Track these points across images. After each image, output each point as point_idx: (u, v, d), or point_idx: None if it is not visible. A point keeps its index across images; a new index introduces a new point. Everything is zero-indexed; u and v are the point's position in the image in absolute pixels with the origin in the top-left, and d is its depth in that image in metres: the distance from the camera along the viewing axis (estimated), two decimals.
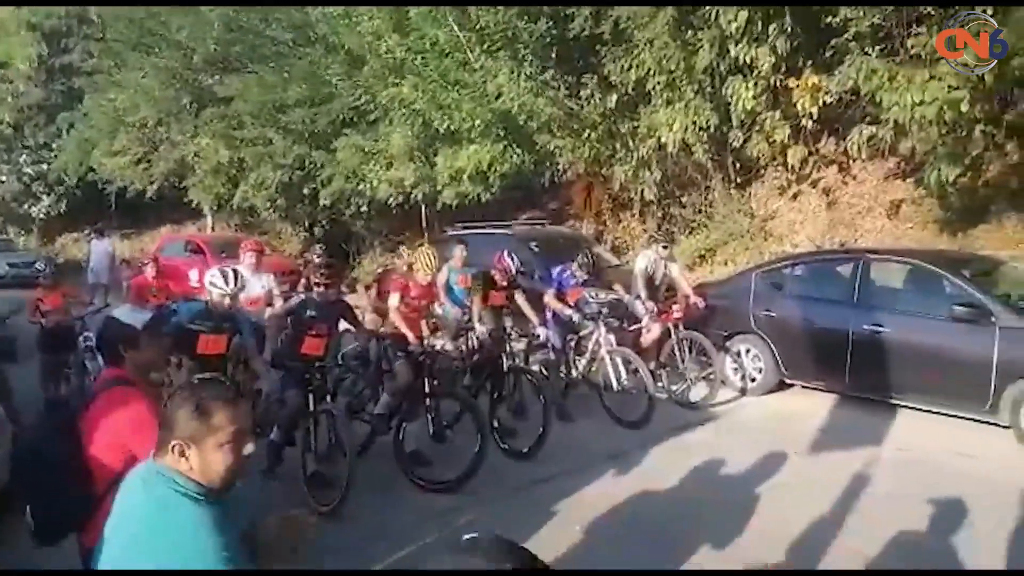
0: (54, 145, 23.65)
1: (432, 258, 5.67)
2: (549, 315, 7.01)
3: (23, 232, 26.61)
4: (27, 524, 2.44)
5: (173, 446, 1.67)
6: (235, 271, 4.86)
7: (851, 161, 10.72)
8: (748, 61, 9.26)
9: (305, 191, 14.91)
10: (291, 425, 5.21)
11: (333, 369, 5.38)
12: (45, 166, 24.38)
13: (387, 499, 5.03)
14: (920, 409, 6.31)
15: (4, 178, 24.65)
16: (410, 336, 5.44)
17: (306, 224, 17.78)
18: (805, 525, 4.40)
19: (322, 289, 5.26)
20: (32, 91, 23.66)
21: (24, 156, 24.76)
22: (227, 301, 4.72)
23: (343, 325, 5.60)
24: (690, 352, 7.31)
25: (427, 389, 5.39)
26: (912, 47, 8.15)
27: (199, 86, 15.75)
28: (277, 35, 14.41)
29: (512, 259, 6.58)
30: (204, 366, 4.59)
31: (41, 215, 25.39)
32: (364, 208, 14.48)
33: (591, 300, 7.34)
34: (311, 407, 5.03)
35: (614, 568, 3.95)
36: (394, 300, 5.64)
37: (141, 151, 18.11)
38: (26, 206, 25.17)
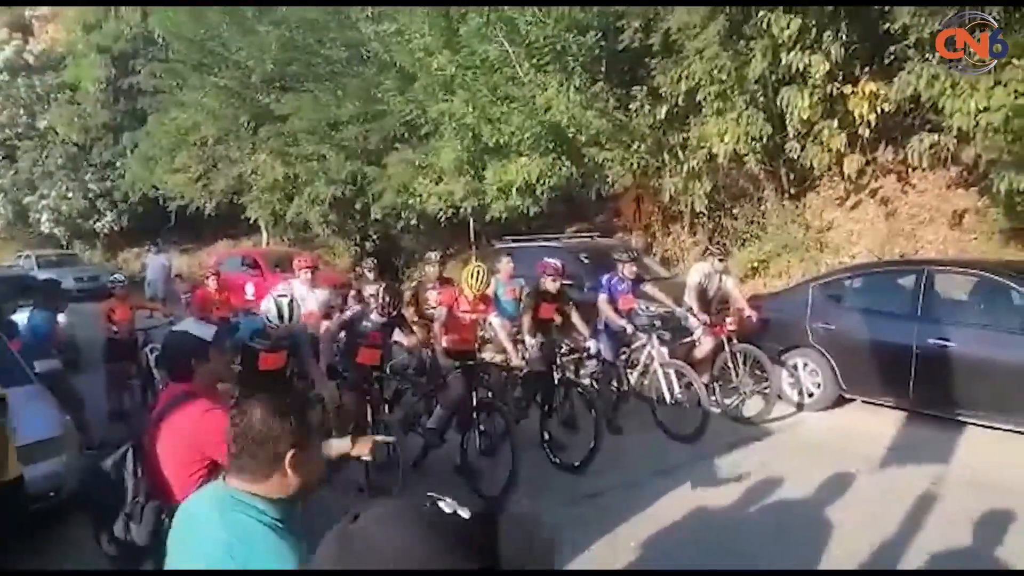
0: (118, 163, 24.61)
1: (480, 275, 5.68)
2: (601, 327, 6.96)
3: (88, 247, 27.71)
4: (106, 551, 2.46)
5: (288, 457, 1.59)
6: (290, 304, 4.92)
7: (910, 170, 10.41)
8: (801, 69, 9.08)
9: (357, 206, 15.19)
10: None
11: (389, 379, 5.42)
12: (109, 183, 25.41)
13: None
14: (988, 426, 6.04)
15: (71, 195, 25.72)
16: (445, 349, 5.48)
17: (358, 239, 18.08)
18: (866, 546, 4.26)
19: (383, 314, 5.31)
20: (99, 112, 24.67)
21: (90, 174, 25.85)
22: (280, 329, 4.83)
23: (396, 336, 5.67)
24: (744, 366, 7.17)
25: (475, 403, 5.39)
26: (974, 55, 7.89)
27: (257, 105, 16.19)
28: (332, 54, 14.73)
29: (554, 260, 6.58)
30: (265, 382, 4.71)
31: (105, 231, 26.43)
32: (414, 222, 14.66)
33: (642, 313, 7.29)
34: (369, 418, 5.12)
35: None
36: (440, 314, 5.67)
37: (201, 168, 18.69)
38: (91, 222, 26.22)
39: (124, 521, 2.40)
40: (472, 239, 14.89)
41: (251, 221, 19.27)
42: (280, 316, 4.77)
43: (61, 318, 7.18)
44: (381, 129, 13.85)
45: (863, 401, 7.04)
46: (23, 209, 27.03)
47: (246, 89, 16.25)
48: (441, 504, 0.93)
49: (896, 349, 6.47)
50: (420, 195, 13.14)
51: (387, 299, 5.26)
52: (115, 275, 9.60)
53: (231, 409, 1.74)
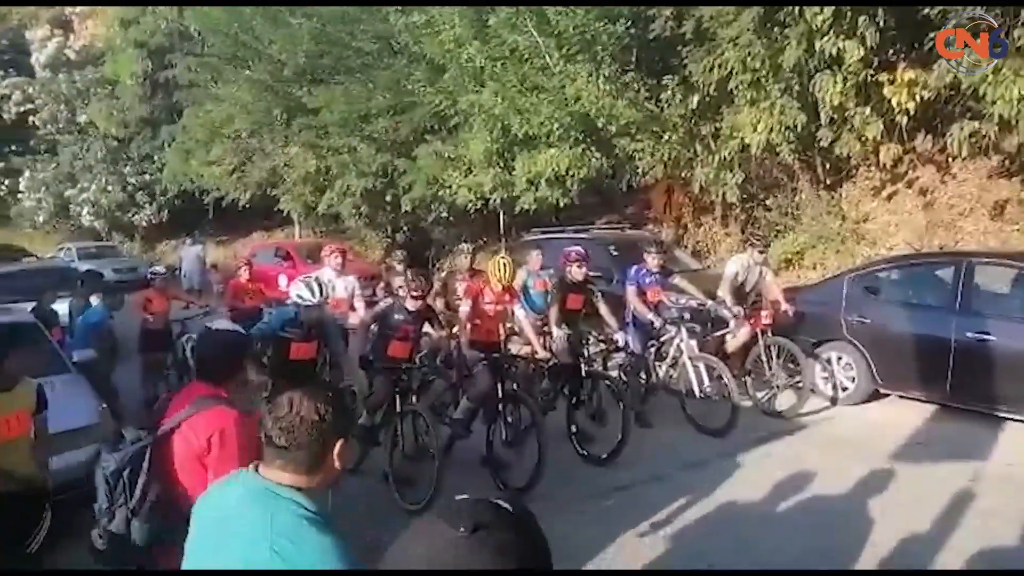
0: (156, 157, 25.08)
1: (506, 267, 5.67)
2: (629, 319, 6.91)
3: (127, 239, 28.31)
4: (94, 544, 2.43)
5: (337, 447, 1.62)
6: (319, 281, 5.00)
7: (950, 160, 10.15)
8: (835, 54, 8.87)
9: (388, 198, 15.25)
10: (378, 424, 5.35)
11: (418, 371, 5.45)
12: (148, 177, 25.91)
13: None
14: None
15: (110, 188, 26.30)
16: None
17: (388, 231, 18.20)
18: (898, 543, 4.18)
19: (414, 302, 5.35)
20: (137, 106, 25.15)
21: (129, 167, 26.38)
22: (314, 311, 4.88)
23: (426, 328, 5.70)
24: (778, 359, 7.04)
25: (500, 394, 5.39)
26: (1019, 38, 7.66)
27: (289, 98, 16.33)
28: (363, 46, 14.78)
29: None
30: (296, 371, 4.77)
31: (143, 223, 26.97)
32: (444, 214, 14.70)
33: (672, 305, 7.21)
34: (398, 407, 5.15)
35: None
36: (465, 307, 5.68)
37: (235, 161, 18.93)
38: (130, 215, 26.78)
39: (126, 517, 2.36)
40: (502, 231, 14.89)
41: (284, 213, 19.50)
42: (312, 293, 4.83)
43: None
44: (411, 121, 13.88)
45: (899, 396, 6.90)
46: (64, 202, 27.70)
47: (279, 82, 16.38)
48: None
49: (934, 343, 6.33)
50: (450, 187, 13.16)
51: (417, 283, 5.30)
52: (154, 266, 9.79)
53: (271, 401, 1.73)
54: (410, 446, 5.21)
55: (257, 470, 1.61)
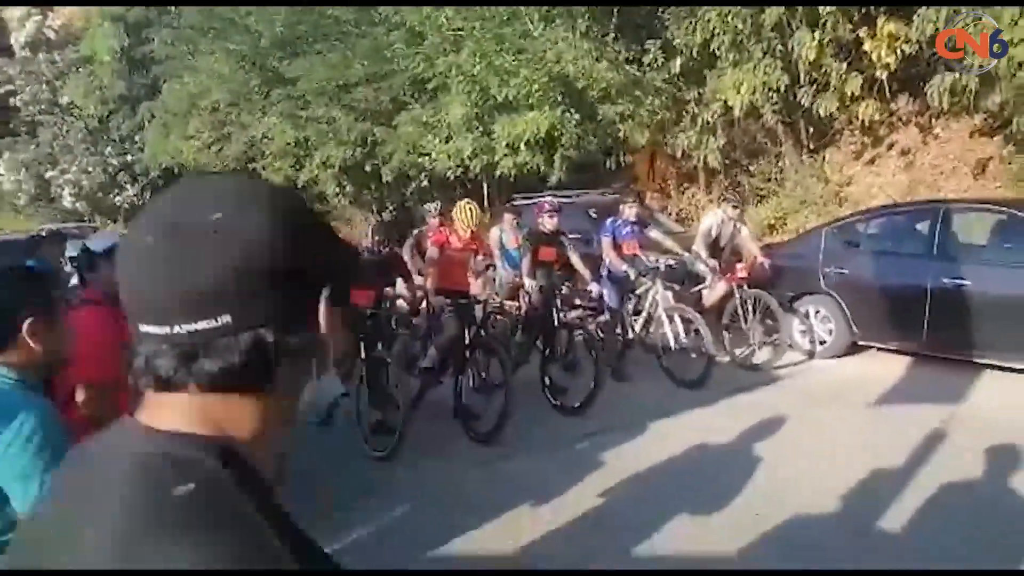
0: (137, 137, 24.70)
1: (472, 211, 5.58)
2: (604, 273, 6.80)
3: (109, 221, 27.96)
4: None
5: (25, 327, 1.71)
6: None
7: (932, 120, 10.06)
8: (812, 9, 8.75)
9: (368, 168, 15.04)
10: (344, 373, 5.25)
11: (384, 320, 5.35)
12: (129, 157, 25.54)
13: (425, 445, 5.00)
14: (1008, 368, 5.81)
15: (91, 169, 25.92)
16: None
17: (374, 209, 18.02)
18: (864, 475, 4.13)
19: (375, 249, 5.27)
20: (115, 83, 24.73)
21: (110, 148, 26.00)
22: None
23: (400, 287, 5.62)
24: (754, 313, 6.95)
25: (467, 340, 5.29)
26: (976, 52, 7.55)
27: (267, 68, 16.05)
28: (341, 14, 14.52)
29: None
30: None
31: (126, 204, 26.60)
32: (425, 184, 14.52)
33: (649, 263, 7.10)
34: (362, 355, 5.05)
35: (660, 517, 3.78)
36: (433, 253, 5.58)
37: (213, 135, 18.65)
38: (112, 196, 26.43)
39: None
40: (487, 202, 14.72)
41: None
42: None
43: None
44: (390, 89, 13.66)
45: (877, 349, 6.84)
46: (45, 184, 27.31)
47: (256, 53, 16.10)
48: None
49: (911, 290, 6.25)
50: (429, 154, 12.98)
51: (376, 236, 5.19)
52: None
53: None
54: (377, 394, 5.11)
55: None
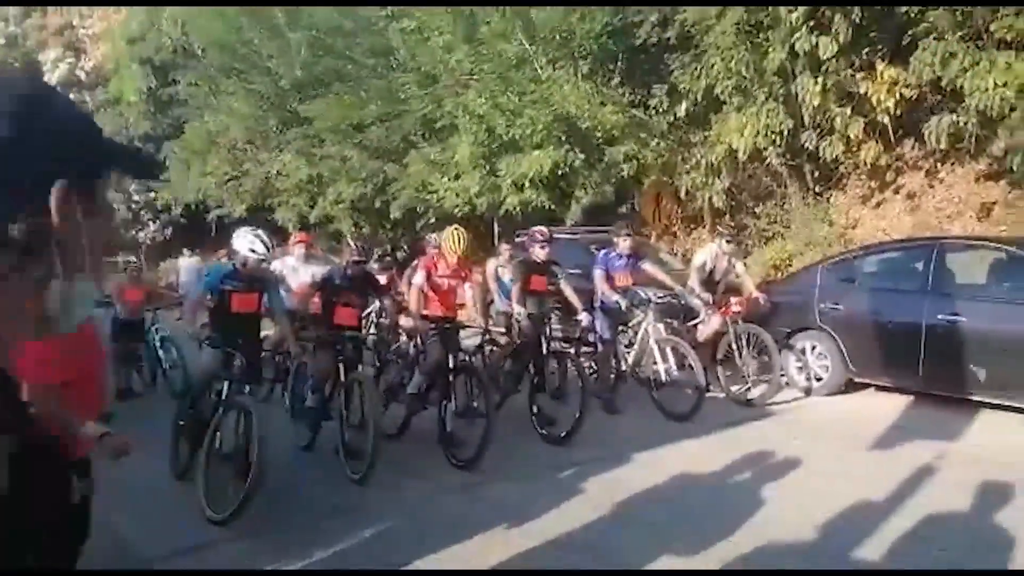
0: (159, 175, 25.22)
1: (460, 238, 5.61)
2: (598, 304, 6.78)
3: (131, 257, 28.40)
4: None
5: None
6: (270, 236, 4.97)
7: (938, 164, 10.08)
8: (808, 50, 8.89)
9: (377, 204, 15.28)
10: (326, 396, 5.27)
11: (363, 341, 5.40)
12: (152, 194, 26.10)
13: (407, 469, 4.97)
14: (1006, 406, 5.71)
15: (117, 207, 26.47)
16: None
17: (389, 248, 18.19)
18: (853, 501, 4.08)
19: (355, 263, 5.35)
20: (141, 122, 25.46)
21: (133, 184, 26.57)
22: (261, 264, 4.82)
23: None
24: (749, 348, 6.89)
25: (451, 365, 5.29)
26: (996, 31, 7.64)
27: (285, 108, 16.49)
28: (359, 58, 14.92)
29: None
30: (239, 324, 4.70)
31: (148, 240, 27.09)
32: (433, 220, 14.68)
33: (641, 295, 7.10)
34: (342, 377, 5.06)
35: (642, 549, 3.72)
36: (418, 278, 5.61)
37: (230, 171, 19.07)
38: (134, 232, 26.93)
39: None
40: (496, 240, 14.81)
41: (279, 223, 19.55)
42: (264, 246, 4.73)
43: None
44: (402, 128, 13.94)
45: (874, 388, 6.75)
46: None
47: (275, 93, 16.56)
48: None
49: (906, 327, 6.21)
50: (437, 191, 13.15)
51: (360, 246, 5.32)
52: (131, 258, 9.79)
53: None
54: (355, 417, 5.09)
55: None
